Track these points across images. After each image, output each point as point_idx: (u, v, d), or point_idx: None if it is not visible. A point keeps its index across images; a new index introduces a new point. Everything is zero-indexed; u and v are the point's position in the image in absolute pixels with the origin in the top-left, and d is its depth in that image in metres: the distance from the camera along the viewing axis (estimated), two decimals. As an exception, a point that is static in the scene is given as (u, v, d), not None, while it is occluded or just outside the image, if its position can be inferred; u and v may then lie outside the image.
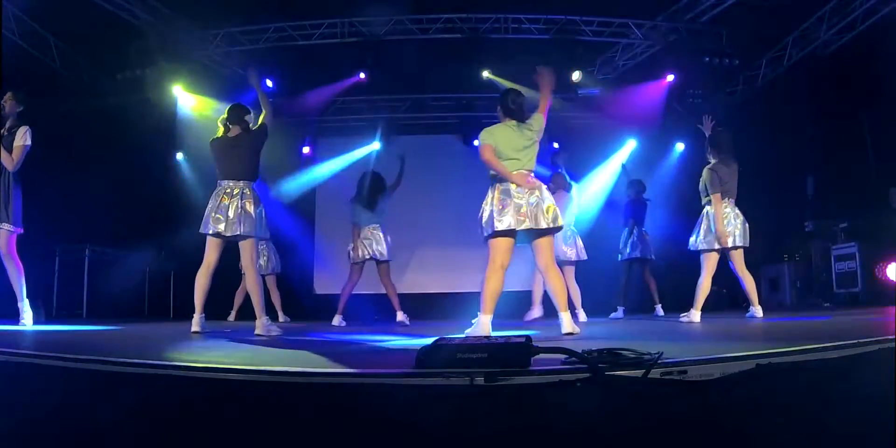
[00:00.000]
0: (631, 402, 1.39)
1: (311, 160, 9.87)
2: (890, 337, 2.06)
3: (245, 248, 4.18)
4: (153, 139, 8.49)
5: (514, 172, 3.58)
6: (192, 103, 8.40)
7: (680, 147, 9.25)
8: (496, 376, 1.60)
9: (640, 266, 7.13)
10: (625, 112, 8.96)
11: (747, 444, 1.17)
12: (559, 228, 3.65)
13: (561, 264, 5.04)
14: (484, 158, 3.59)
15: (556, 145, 9.79)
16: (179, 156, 8.99)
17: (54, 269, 7.14)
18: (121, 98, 8.35)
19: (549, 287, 3.69)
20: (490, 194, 3.66)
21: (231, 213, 4.07)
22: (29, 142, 4.52)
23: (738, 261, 5.03)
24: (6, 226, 4.48)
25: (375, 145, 9.63)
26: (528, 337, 1.87)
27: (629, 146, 9.41)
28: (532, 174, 3.65)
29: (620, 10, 7.80)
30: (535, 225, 3.52)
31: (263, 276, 7.01)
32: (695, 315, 4.79)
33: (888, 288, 6.09)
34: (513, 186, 3.56)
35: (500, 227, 3.52)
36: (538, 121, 3.74)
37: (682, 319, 4.84)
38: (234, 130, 4.29)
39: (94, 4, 6.82)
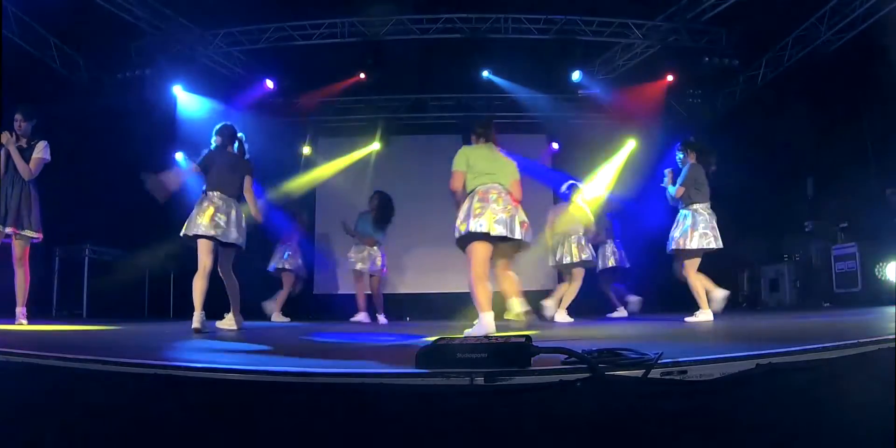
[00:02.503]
0: (631, 402, 1.39)
1: (311, 160, 9.87)
2: (890, 337, 2.06)
3: (230, 254, 4.47)
4: (153, 139, 8.48)
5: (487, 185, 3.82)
6: (192, 103, 8.40)
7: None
8: (496, 376, 1.60)
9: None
10: (625, 112, 8.97)
11: (747, 444, 1.17)
12: (527, 245, 3.86)
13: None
14: (452, 186, 3.90)
15: (555, 145, 9.81)
16: (179, 156, 8.98)
17: (54, 269, 7.14)
18: (121, 98, 8.36)
19: (502, 287, 3.98)
20: (468, 202, 3.79)
21: (229, 221, 4.33)
22: (48, 156, 4.76)
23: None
24: (29, 232, 4.65)
25: (375, 145, 9.64)
26: (528, 337, 1.87)
27: (629, 146, 9.41)
28: (508, 193, 3.82)
29: (620, 10, 7.81)
30: (511, 234, 3.65)
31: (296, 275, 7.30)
32: (704, 314, 4.73)
33: (888, 288, 6.08)
34: (492, 195, 3.73)
35: (477, 229, 3.62)
36: (511, 165, 4.02)
37: (688, 320, 4.74)
38: (231, 149, 4.60)
39: (94, 4, 6.83)
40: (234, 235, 4.32)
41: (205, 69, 8.35)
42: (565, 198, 6.50)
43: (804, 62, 7.85)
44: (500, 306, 3.83)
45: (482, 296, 3.66)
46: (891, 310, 4.60)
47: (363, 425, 1.32)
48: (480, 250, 3.71)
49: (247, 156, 4.69)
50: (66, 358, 2.08)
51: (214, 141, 4.61)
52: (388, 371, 1.80)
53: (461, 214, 3.78)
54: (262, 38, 8.05)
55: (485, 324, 3.59)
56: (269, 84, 8.50)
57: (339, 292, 9.10)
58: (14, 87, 4.59)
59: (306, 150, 9.82)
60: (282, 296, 7.26)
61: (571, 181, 6.62)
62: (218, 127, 4.67)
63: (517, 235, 3.69)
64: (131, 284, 8.02)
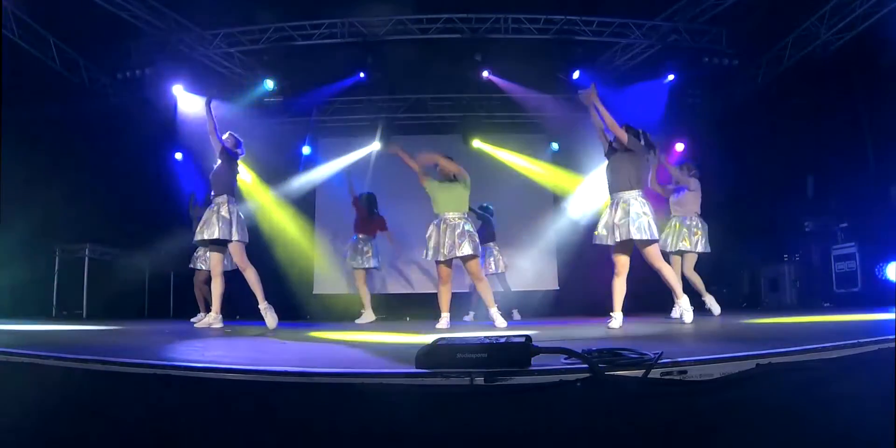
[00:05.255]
0: (631, 402, 1.39)
1: (311, 160, 9.87)
2: (890, 337, 2.06)
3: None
4: (153, 139, 8.49)
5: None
6: (192, 103, 8.39)
7: (679, 147, 9.25)
8: (496, 376, 1.60)
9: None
10: (625, 112, 8.95)
11: (747, 444, 1.17)
12: (472, 255, 4.93)
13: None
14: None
15: (555, 145, 9.81)
16: (179, 156, 9.00)
17: (54, 269, 7.14)
18: (121, 98, 8.36)
19: (481, 292, 5.12)
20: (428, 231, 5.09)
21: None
22: None
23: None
24: None
25: (375, 145, 9.64)
26: (528, 337, 1.87)
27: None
28: (457, 214, 5.03)
29: (620, 10, 7.80)
30: (446, 257, 4.92)
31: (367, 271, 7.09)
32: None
33: (888, 288, 6.08)
34: (440, 224, 5.02)
35: (426, 257, 5.04)
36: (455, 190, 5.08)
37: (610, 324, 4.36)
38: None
39: (94, 4, 6.82)
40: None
41: (205, 69, 8.35)
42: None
43: (804, 62, 7.85)
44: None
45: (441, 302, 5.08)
46: (891, 310, 4.60)
47: (363, 425, 1.32)
48: (439, 270, 5.08)
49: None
50: (66, 358, 2.08)
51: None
52: (388, 371, 1.80)
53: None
54: (262, 38, 8.04)
55: (442, 322, 4.92)
56: (269, 84, 8.50)
57: (339, 292, 9.10)
58: (14, 87, 4.56)
59: (306, 150, 9.82)
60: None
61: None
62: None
63: (451, 255, 4.89)
64: (131, 284, 8.02)
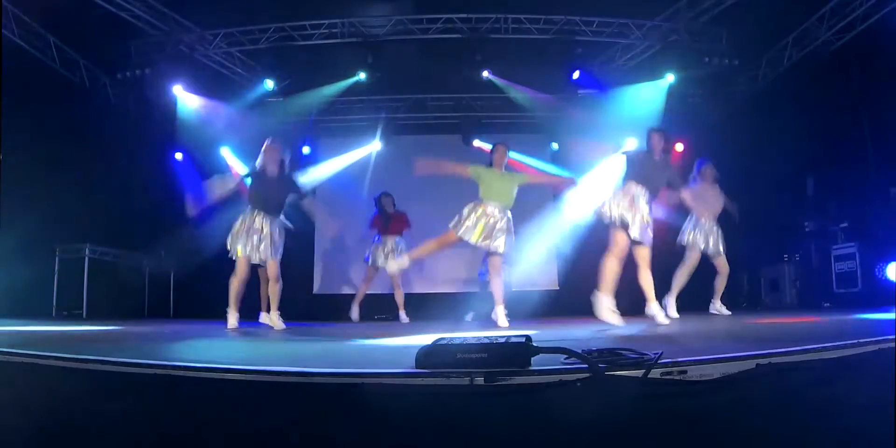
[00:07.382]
0: (631, 402, 1.40)
1: (311, 160, 9.87)
2: (890, 337, 2.06)
3: None
4: (153, 139, 8.49)
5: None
6: (192, 103, 8.39)
7: (680, 147, 9.25)
8: (496, 376, 1.60)
9: None
10: (625, 112, 8.96)
11: (747, 445, 1.17)
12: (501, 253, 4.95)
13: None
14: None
15: (555, 145, 9.81)
16: (179, 156, 9.00)
17: (54, 269, 7.14)
18: (121, 98, 8.36)
19: (494, 288, 5.07)
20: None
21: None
22: None
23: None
24: None
25: (375, 145, 9.64)
26: (528, 337, 1.87)
27: (629, 146, 9.39)
28: (501, 205, 4.99)
29: (620, 10, 7.80)
30: (475, 243, 4.87)
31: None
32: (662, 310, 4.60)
33: (888, 288, 6.08)
34: (481, 209, 4.93)
35: (452, 225, 4.89)
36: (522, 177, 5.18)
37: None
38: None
39: (94, 4, 6.82)
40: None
41: (205, 69, 8.35)
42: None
43: (804, 62, 7.85)
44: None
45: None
46: (891, 310, 4.59)
47: (363, 425, 1.32)
48: (449, 237, 4.94)
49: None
50: (66, 358, 2.08)
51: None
52: (388, 371, 1.79)
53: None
54: (262, 38, 8.04)
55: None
56: (269, 84, 8.50)
57: (340, 292, 9.09)
58: (14, 87, 4.55)
59: (306, 150, 9.81)
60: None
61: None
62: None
63: (483, 245, 4.87)
64: (131, 284, 8.02)
